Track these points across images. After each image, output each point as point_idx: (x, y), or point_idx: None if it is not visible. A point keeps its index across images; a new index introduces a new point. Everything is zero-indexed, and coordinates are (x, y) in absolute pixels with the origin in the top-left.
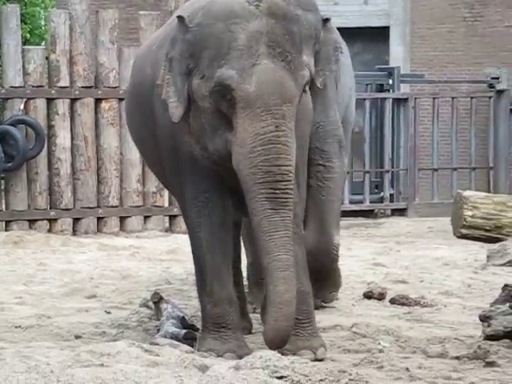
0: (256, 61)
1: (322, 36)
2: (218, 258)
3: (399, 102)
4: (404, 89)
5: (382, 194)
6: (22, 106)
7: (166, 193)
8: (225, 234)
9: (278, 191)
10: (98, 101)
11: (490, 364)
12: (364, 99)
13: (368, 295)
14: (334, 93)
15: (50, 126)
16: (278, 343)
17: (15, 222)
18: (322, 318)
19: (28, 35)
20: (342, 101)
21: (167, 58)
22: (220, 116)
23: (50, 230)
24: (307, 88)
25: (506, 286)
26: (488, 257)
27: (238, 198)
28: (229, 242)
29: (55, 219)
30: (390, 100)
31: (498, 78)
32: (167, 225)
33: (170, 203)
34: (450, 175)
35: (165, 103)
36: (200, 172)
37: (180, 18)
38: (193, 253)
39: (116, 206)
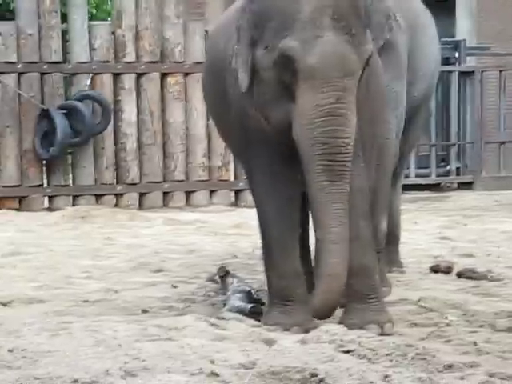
0: (320, 33)
1: (374, 4)
2: (285, 232)
3: (465, 75)
4: (470, 62)
5: (448, 167)
6: (88, 82)
7: (231, 167)
8: (292, 207)
9: (335, 163)
10: (163, 75)
11: None
12: None
13: (435, 269)
14: (396, 65)
15: (117, 101)
16: (323, 315)
17: (82, 197)
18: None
19: (94, 11)
20: (423, 73)
21: (236, 28)
22: (283, 87)
23: (116, 205)
24: (374, 60)
25: None
26: None
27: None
28: (296, 215)
29: (122, 194)
30: (456, 73)
31: None
32: (233, 199)
33: (236, 177)
34: None
35: (235, 77)
36: (266, 145)
37: None
38: (259, 226)
39: (182, 181)
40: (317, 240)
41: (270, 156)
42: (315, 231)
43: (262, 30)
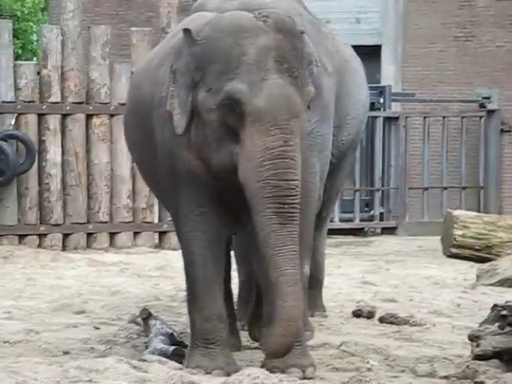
0: (265, 76)
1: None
2: (211, 274)
3: (390, 120)
4: (395, 108)
5: (372, 212)
6: (13, 121)
7: (155, 209)
8: (219, 250)
9: (285, 206)
10: (89, 116)
11: None
12: None
13: (357, 313)
14: (322, 108)
15: (41, 142)
16: (280, 357)
17: (5, 237)
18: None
19: (20, 50)
20: (352, 117)
21: (171, 70)
22: (226, 129)
23: (39, 245)
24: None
25: (495, 305)
26: (478, 276)
27: (234, 214)
28: (222, 258)
29: (45, 234)
30: (381, 118)
31: (489, 98)
32: (157, 241)
33: (160, 219)
34: (440, 194)
35: (163, 119)
36: (196, 186)
37: (186, 30)
38: (185, 268)
39: (106, 222)
40: (269, 282)
41: (198, 198)
42: (267, 274)
43: (204, 72)
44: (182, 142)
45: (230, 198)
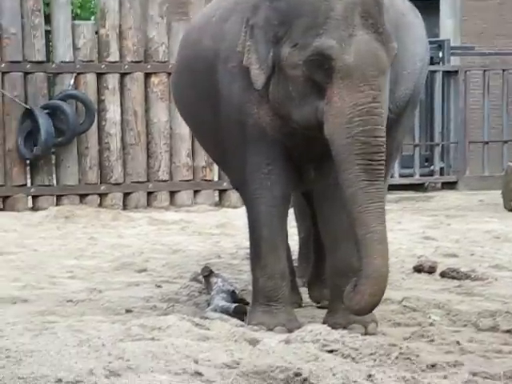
0: (353, 31)
1: None
2: (276, 232)
3: (449, 74)
4: (454, 62)
5: (432, 167)
6: (72, 81)
7: (215, 167)
8: (284, 208)
9: (374, 162)
10: (147, 75)
11: None
12: None
13: (418, 269)
14: None
15: (100, 101)
16: (367, 312)
17: (66, 197)
18: None
19: (78, 10)
20: (408, 72)
21: (248, 24)
22: (312, 84)
23: (100, 205)
24: None
25: None
26: None
27: (300, 171)
28: (286, 215)
29: (106, 194)
30: (441, 73)
31: None
32: (217, 199)
33: (220, 177)
34: (500, 148)
35: (232, 74)
36: (265, 144)
37: None
38: (249, 225)
39: (166, 181)
40: (356, 239)
41: (266, 155)
42: (354, 230)
43: (288, 26)
44: (253, 97)
45: (298, 156)
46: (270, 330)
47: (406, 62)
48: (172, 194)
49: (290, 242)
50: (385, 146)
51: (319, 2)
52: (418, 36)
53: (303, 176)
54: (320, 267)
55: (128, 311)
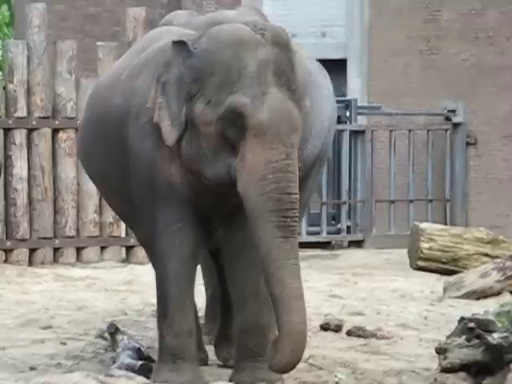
0: (266, 89)
1: None
2: (184, 290)
3: (357, 133)
4: (361, 121)
5: (339, 225)
6: None
7: (122, 223)
8: (192, 266)
9: (288, 219)
10: (55, 131)
11: None
12: None
13: (325, 327)
14: None
15: (7, 157)
16: (288, 371)
17: None
18: None
19: None
20: (316, 130)
21: (159, 81)
22: (224, 141)
23: (5, 261)
24: None
25: (462, 318)
26: (444, 289)
27: (209, 229)
28: (195, 273)
29: (11, 249)
30: (348, 132)
31: (454, 111)
32: (124, 255)
33: (127, 233)
34: (406, 207)
35: (143, 130)
36: (175, 201)
37: (181, 42)
38: (157, 283)
39: (73, 237)
40: (272, 296)
41: (177, 212)
42: (270, 288)
43: (202, 84)
44: (165, 154)
45: (207, 212)
46: None
47: (314, 121)
48: (79, 250)
49: (196, 299)
50: (298, 202)
51: (232, 60)
52: (325, 95)
53: (211, 233)
54: (227, 325)
55: (32, 369)
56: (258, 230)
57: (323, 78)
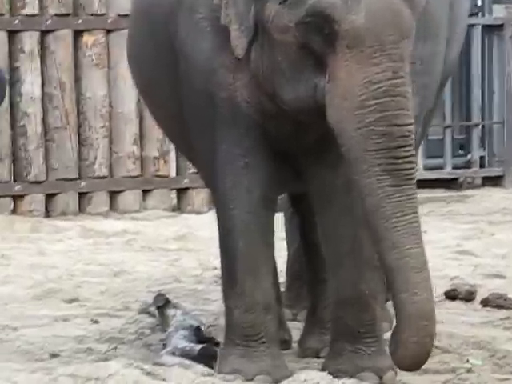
0: None
1: None
2: (256, 246)
3: (491, 29)
4: (498, 12)
5: (469, 156)
6: None
7: (172, 158)
8: (267, 214)
9: (399, 160)
10: (77, 33)
11: None
12: None
13: (452, 295)
14: None
15: (14, 69)
16: (416, 367)
17: None
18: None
19: None
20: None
21: None
22: (308, 54)
23: (14, 211)
24: None
25: None
26: None
27: (289, 168)
28: (271, 225)
29: (21, 196)
30: (479, 27)
31: None
32: (174, 202)
33: (178, 172)
34: None
35: (197, 29)
36: (241, 128)
37: None
38: (221, 237)
39: (104, 177)
40: (384, 264)
41: (243, 144)
42: (380, 252)
43: None
44: (229, 62)
45: (287, 147)
46: (250, 380)
47: (459, 15)
48: (113, 195)
49: (276, 260)
50: (412, 136)
51: None
52: None
53: (292, 172)
54: (318, 306)
55: (53, 356)
56: (360, 175)
57: None
